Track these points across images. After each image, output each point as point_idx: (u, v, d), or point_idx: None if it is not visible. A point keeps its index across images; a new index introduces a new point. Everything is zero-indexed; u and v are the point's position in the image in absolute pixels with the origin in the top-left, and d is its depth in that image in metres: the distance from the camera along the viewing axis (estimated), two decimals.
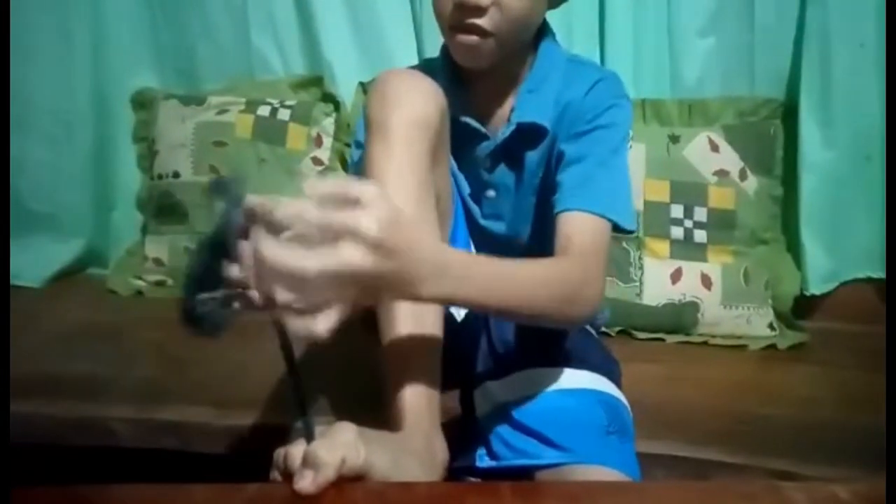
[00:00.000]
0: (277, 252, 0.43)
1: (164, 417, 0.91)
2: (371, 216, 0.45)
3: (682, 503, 0.49)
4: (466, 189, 0.82)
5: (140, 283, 1.32)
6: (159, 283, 1.31)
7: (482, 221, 0.82)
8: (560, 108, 0.76)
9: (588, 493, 0.53)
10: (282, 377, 0.95)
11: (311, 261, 0.43)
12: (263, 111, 1.28)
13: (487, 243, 0.82)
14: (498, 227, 0.82)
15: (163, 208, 1.31)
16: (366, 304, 0.52)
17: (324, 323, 0.45)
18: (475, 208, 0.83)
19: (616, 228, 0.72)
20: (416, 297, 0.52)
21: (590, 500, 0.50)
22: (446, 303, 0.61)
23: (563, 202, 0.70)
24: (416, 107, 0.63)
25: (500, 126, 0.78)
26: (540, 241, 0.78)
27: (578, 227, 0.68)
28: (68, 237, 1.37)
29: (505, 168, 0.80)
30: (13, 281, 1.33)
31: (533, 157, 0.77)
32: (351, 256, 0.44)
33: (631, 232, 0.78)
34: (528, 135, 0.77)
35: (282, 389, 0.90)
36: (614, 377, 0.81)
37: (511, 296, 0.59)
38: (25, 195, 1.34)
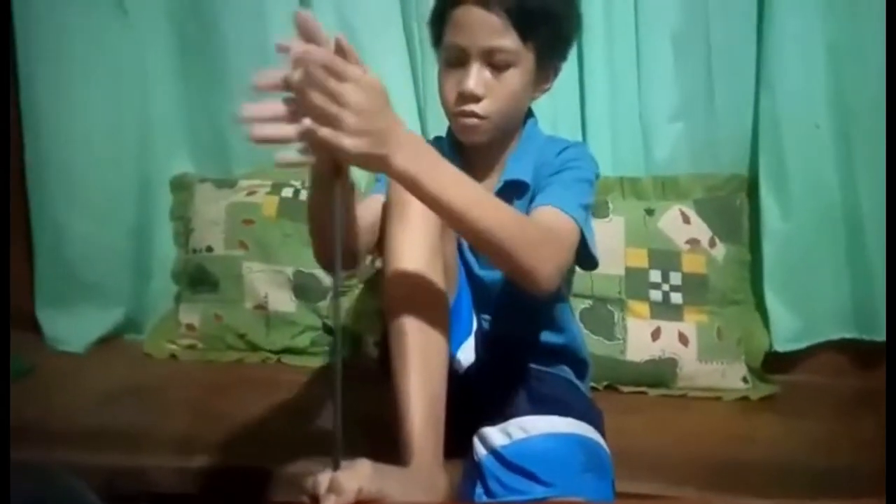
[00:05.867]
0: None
1: (199, 465, 1.00)
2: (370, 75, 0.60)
3: None
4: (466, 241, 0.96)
5: (174, 346, 1.43)
6: (191, 347, 1.43)
7: (479, 272, 0.95)
8: (538, 167, 0.93)
9: None
10: (303, 429, 1.06)
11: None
12: (287, 192, 1.42)
13: (484, 292, 0.94)
14: (494, 276, 0.94)
15: (196, 279, 1.43)
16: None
17: (349, 141, 0.59)
18: (472, 259, 0.96)
19: (582, 259, 0.84)
20: (388, 165, 0.62)
21: None
22: (413, 183, 0.64)
23: (536, 202, 0.84)
24: None
25: (493, 187, 0.93)
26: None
27: (546, 214, 0.81)
28: (110, 306, 1.48)
29: None
30: (59, 346, 1.45)
31: (520, 207, 0.91)
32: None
33: (594, 262, 0.89)
34: (514, 189, 0.92)
35: (302, 439, 1.00)
36: (596, 423, 0.91)
37: (475, 206, 0.68)
38: (72, 266, 1.45)
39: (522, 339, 0.98)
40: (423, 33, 0.96)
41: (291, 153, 0.61)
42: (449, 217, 0.69)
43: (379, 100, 0.61)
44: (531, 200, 0.91)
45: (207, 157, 1.54)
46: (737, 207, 1.33)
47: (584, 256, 0.87)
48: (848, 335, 1.32)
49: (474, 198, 0.69)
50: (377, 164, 0.62)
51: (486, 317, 0.96)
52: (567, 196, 0.85)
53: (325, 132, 0.58)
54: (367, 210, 0.85)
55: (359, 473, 0.61)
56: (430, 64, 0.93)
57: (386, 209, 0.80)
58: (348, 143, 0.59)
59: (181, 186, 1.53)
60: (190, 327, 1.43)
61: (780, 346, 1.31)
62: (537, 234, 0.76)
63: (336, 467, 0.62)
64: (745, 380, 1.24)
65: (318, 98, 0.58)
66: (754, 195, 1.33)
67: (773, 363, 1.31)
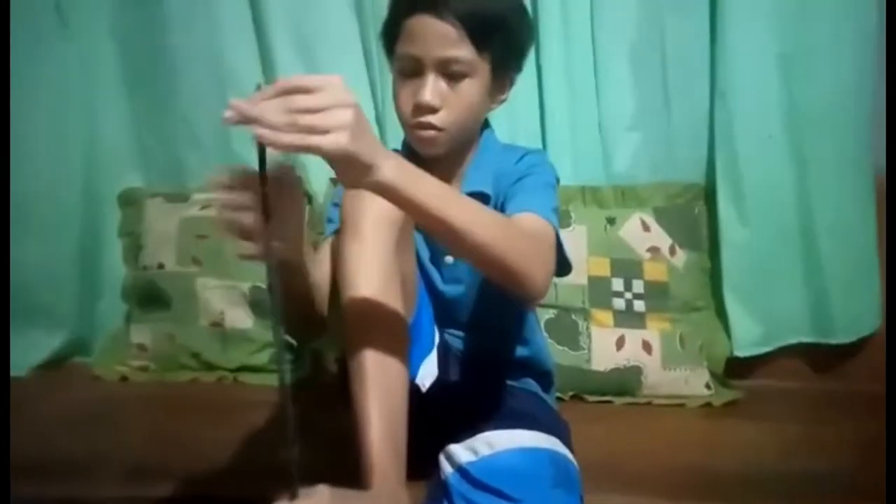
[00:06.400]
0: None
1: (152, 495, 0.95)
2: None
3: None
4: (427, 254, 0.93)
5: (124, 368, 1.37)
6: (142, 368, 1.38)
7: (442, 286, 0.93)
8: (497, 177, 0.91)
9: None
10: (262, 453, 1.02)
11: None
12: None
13: (447, 306, 0.92)
14: (457, 290, 0.92)
15: (147, 297, 1.38)
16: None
17: (329, 141, 0.55)
18: (435, 274, 0.94)
19: (557, 263, 0.82)
20: (375, 177, 0.59)
21: None
22: (399, 196, 0.62)
23: (509, 211, 0.82)
24: (382, 206, 0.71)
25: None
26: (499, 305, 0.89)
27: (527, 220, 0.80)
28: (54, 328, 1.42)
29: None
30: None
31: None
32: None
33: (569, 266, 0.88)
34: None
35: (261, 463, 0.96)
36: (563, 436, 0.90)
37: (462, 212, 0.66)
38: (14, 287, 1.38)
39: (487, 353, 0.96)
40: (380, 45, 0.94)
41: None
42: (439, 230, 0.67)
43: (354, 100, 0.57)
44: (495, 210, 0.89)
45: (158, 171, 1.49)
46: (695, 215, 1.34)
47: (559, 261, 0.86)
48: (805, 339, 1.34)
49: (466, 210, 0.67)
50: (363, 173, 0.59)
51: (450, 331, 0.94)
52: (539, 201, 0.84)
53: (314, 140, 0.54)
54: (325, 259, 0.82)
55: (317, 501, 0.59)
56: (388, 76, 0.91)
57: (340, 227, 0.77)
58: (343, 139, 0.55)
59: (130, 201, 1.49)
60: (141, 347, 1.38)
61: (741, 352, 1.32)
62: (527, 242, 0.75)
63: (294, 496, 0.59)
64: (707, 386, 1.25)
65: (291, 127, 0.54)
66: (712, 203, 1.34)
67: (734, 368, 1.32)
